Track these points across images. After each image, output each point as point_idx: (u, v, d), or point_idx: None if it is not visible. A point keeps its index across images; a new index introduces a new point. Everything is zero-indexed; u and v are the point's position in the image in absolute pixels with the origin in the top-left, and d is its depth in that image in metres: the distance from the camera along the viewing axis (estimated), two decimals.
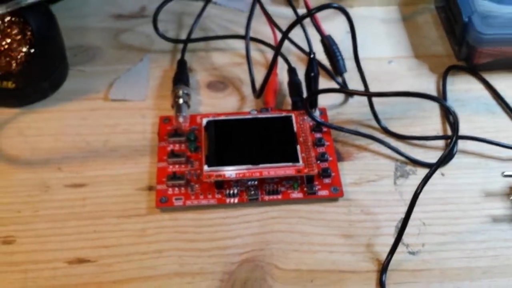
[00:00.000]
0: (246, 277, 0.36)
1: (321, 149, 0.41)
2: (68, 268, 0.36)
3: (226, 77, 0.48)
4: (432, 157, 0.42)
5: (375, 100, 0.44)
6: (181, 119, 0.43)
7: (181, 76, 0.46)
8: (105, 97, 0.46)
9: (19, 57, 0.42)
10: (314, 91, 0.42)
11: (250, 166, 0.39)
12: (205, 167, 0.39)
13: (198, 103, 0.46)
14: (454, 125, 0.35)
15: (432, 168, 0.36)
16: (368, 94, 0.43)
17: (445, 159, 0.39)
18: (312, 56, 0.42)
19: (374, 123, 0.44)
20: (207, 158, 0.40)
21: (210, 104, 0.46)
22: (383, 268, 0.35)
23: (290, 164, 0.39)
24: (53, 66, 0.45)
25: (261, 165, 0.39)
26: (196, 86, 0.47)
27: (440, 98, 0.41)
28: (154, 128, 0.44)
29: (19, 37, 0.42)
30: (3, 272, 0.36)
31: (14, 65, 0.42)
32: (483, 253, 0.37)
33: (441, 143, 0.43)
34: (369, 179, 0.41)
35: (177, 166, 0.41)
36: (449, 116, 0.44)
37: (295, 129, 0.41)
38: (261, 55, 0.50)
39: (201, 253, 0.37)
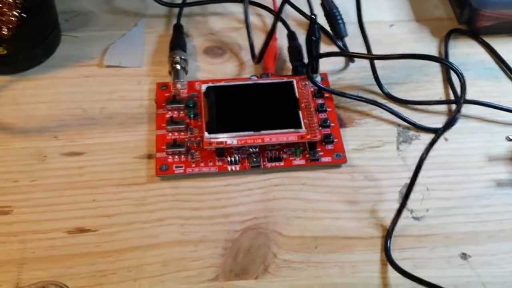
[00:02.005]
0: (250, 244, 0.35)
1: (323, 115, 0.41)
2: (68, 237, 0.35)
3: (223, 43, 0.47)
4: (435, 122, 0.41)
5: (376, 65, 0.43)
6: (179, 86, 0.42)
7: (178, 41, 0.45)
8: (100, 64, 0.45)
9: (10, 21, 0.41)
10: (316, 55, 0.41)
11: (251, 133, 0.38)
12: (206, 134, 0.38)
13: (196, 69, 0.45)
14: (462, 87, 0.35)
15: (438, 132, 0.35)
16: (373, 57, 0.42)
17: (450, 123, 0.38)
18: (313, 18, 0.41)
19: (375, 88, 0.43)
20: (207, 125, 0.39)
21: (208, 70, 0.45)
22: (388, 234, 0.35)
23: (293, 130, 0.38)
24: (45, 32, 0.44)
25: (263, 132, 0.38)
26: (193, 51, 0.46)
27: (447, 60, 0.40)
28: (151, 95, 0.43)
29: (10, 0, 0.40)
30: (1, 243, 0.35)
31: (5, 30, 0.41)
32: (488, 217, 0.36)
33: (443, 107, 0.42)
34: (372, 145, 0.40)
35: (176, 133, 0.40)
36: (452, 79, 0.43)
37: (297, 94, 0.40)
38: (259, 20, 0.49)
39: (203, 221, 0.36)
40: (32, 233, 0.35)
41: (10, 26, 0.41)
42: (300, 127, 0.38)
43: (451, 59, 0.45)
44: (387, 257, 0.34)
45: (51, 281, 0.30)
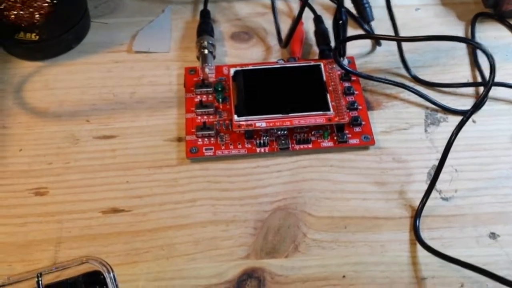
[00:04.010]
0: (279, 224, 0.36)
1: (350, 98, 0.41)
2: (102, 217, 0.36)
3: (250, 28, 0.47)
4: (463, 104, 0.41)
5: (403, 48, 0.43)
6: (207, 70, 0.42)
7: (205, 27, 0.45)
8: (129, 49, 0.45)
9: (42, 8, 0.42)
10: (344, 38, 0.41)
11: (280, 115, 0.39)
12: (235, 117, 0.39)
13: (223, 54, 0.45)
14: (491, 68, 0.35)
15: (467, 114, 0.36)
16: (400, 39, 0.42)
17: (479, 105, 0.39)
18: (340, 1, 0.41)
19: (402, 71, 0.43)
20: (236, 108, 0.39)
21: (235, 55, 0.45)
22: (417, 214, 0.35)
23: (321, 112, 0.39)
24: (75, 18, 0.44)
25: (291, 114, 0.39)
26: (219, 37, 0.46)
27: (476, 41, 0.40)
28: (179, 79, 0.43)
29: None
30: (38, 223, 0.36)
31: (37, 16, 0.42)
32: None
33: (471, 90, 0.42)
34: (399, 128, 0.40)
35: (205, 117, 0.40)
36: (479, 62, 0.43)
37: (324, 77, 0.41)
38: (283, 4, 0.49)
39: (234, 202, 0.37)
40: (68, 213, 0.36)
41: (42, 12, 0.42)
42: (328, 109, 0.39)
43: None
44: (416, 236, 0.35)
45: (91, 256, 0.30)
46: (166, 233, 0.35)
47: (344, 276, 0.34)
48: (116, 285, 0.29)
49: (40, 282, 0.28)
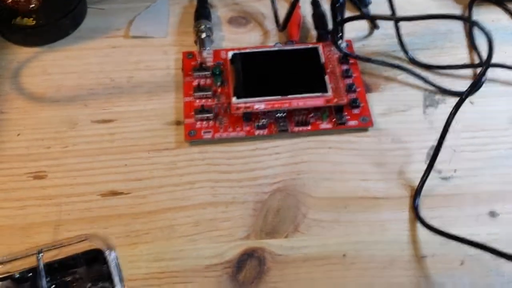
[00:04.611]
0: (279, 205, 0.36)
1: (348, 80, 0.41)
2: (102, 200, 0.36)
3: (247, 12, 0.47)
4: (461, 86, 0.41)
5: (401, 31, 0.43)
6: (205, 54, 0.42)
7: (203, 11, 0.45)
8: (126, 35, 0.45)
9: None
10: (341, 20, 0.41)
11: (279, 97, 0.39)
12: (234, 99, 0.39)
13: (220, 39, 0.45)
14: (489, 45, 0.35)
15: (464, 94, 0.36)
16: (397, 18, 0.42)
17: (476, 85, 0.39)
18: None
19: (400, 54, 0.43)
20: (235, 90, 0.39)
21: (232, 40, 0.45)
22: (416, 193, 0.35)
23: (319, 94, 0.39)
24: (72, 2, 0.44)
25: (290, 96, 0.39)
26: (217, 22, 0.46)
27: (473, 20, 0.40)
28: (177, 64, 0.43)
29: None
30: (37, 206, 0.36)
31: (34, 0, 0.42)
32: None
33: (469, 72, 0.42)
34: (398, 109, 0.40)
35: (203, 100, 0.40)
36: (476, 44, 0.43)
37: (322, 60, 0.41)
38: None
39: (233, 184, 0.37)
40: (67, 197, 0.36)
41: None
42: (326, 91, 0.39)
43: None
44: (416, 215, 0.35)
45: (91, 234, 0.30)
46: (165, 215, 0.35)
47: (344, 255, 0.34)
48: (118, 263, 0.29)
49: (40, 258, 0.28)
